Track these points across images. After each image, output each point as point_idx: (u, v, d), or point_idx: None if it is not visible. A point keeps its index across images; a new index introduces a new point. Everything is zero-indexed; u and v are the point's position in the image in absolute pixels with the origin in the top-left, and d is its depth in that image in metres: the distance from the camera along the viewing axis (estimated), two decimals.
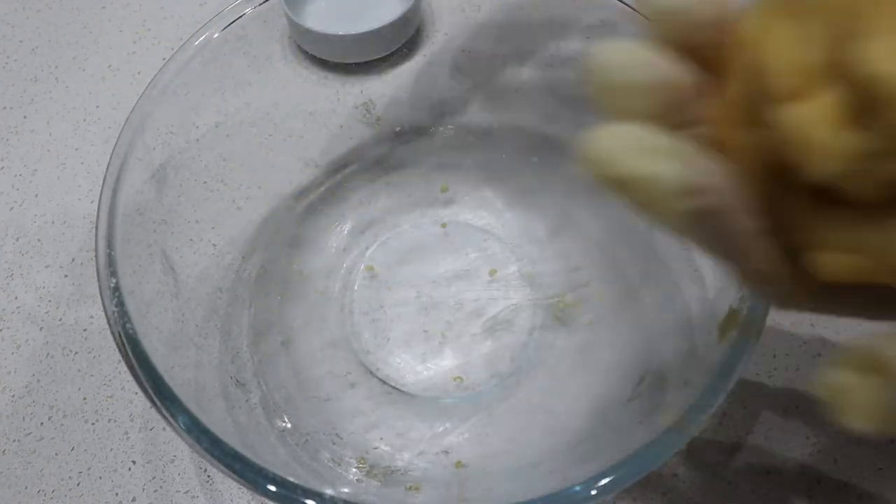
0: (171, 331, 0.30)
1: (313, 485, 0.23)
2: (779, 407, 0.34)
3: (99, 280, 0.27)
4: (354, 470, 0.31)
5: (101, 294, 0.26)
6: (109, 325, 0.26)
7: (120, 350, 0.26)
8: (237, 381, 0.32)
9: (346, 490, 0.29)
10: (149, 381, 0.25)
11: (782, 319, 0.36)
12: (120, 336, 0.26)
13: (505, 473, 0.31)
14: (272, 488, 0.23)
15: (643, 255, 0.36)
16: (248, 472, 0.23)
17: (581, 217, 0.39)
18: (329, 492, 0.22)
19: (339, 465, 0.31)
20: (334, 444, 0.32)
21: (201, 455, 0.23)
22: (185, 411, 0.24)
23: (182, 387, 0.26)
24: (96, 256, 0.27)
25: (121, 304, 0.26)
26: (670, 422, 0.23)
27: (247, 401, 0.32)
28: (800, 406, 0.34)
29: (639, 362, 0.32)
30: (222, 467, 0.23)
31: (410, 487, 0.29)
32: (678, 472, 0.32)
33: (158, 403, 0.25)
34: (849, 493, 0.32)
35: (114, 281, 0.27)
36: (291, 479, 0.23)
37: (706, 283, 0.31)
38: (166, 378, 0.25)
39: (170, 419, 0.24)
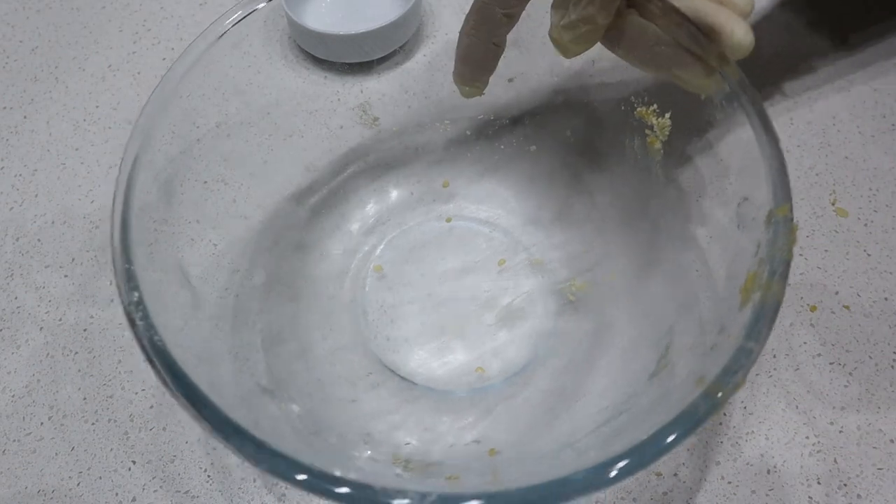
0: (194, 341, 0.29)
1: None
2: (779, 407, 0.34)
3: (120, 296, 0.26)
4: (393, 466, 0.30)
5: (124, 310, 0.26)
6: (137, 338, 0.25)
7: (150, 363, 0.25)
8: (264, 389, 0.32)
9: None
10: (188, 397, 0.24)
11: (782, 320, 0.36)
12: (149, 349, 0.25)
13: (537, 456, 0.30)
14: (344, 491, 0.22)
15: (649, 230, 0.36)
16: (321, 482, 0.22)
17: (583, 201, 0.39)
18: (417, 489, 0.22)
19: (378, 462, 0.31)
20: (366, 443, 0.32)
21: (270, 473, 0.23)
22: (242, 433, 0.23)
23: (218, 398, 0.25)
24: (115, 271, 0.27)
25: (146, 317, 0.25)
26: (703, 389, 0.23)
27: (279, 408, 0.31)
28: (800, 406, 0.34)
29: (659, 335, 0.31)
30: (294, 479, 0.22)
31: (450, 478, 0.29)
32: (678, 472, 0.32)
33: (214, 428, 0.23)
34: (849, 493, 0.32)
35: (136, 295, 0.26)
36: (369, 482, 0.22)
37: (717, 254, 0.31)
38: (205, 390, 0.24)
39: (227, 443, 0.23)
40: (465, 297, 0.37)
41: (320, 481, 0.22)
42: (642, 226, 0.36)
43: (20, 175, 0.43)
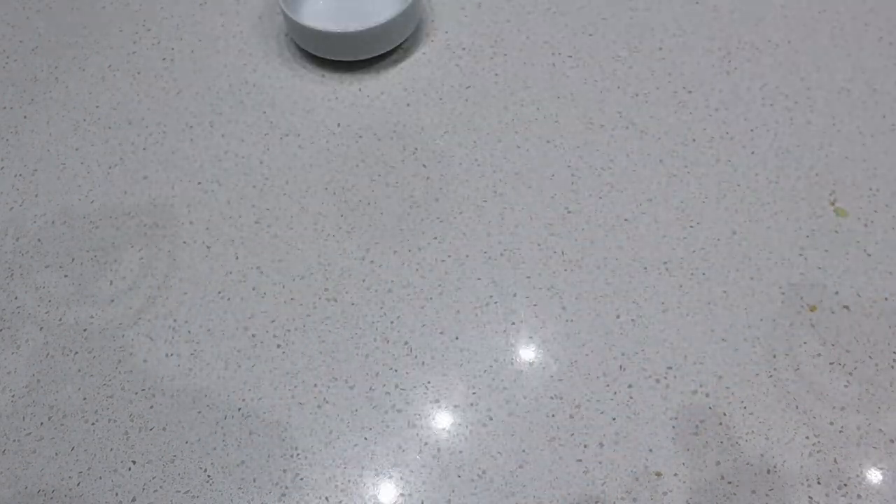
0: None
1: None
2: (779, 407, 0.34)
3: None
4: None
5: None
6: None
7: None
8: None
9: None
10: None
11: (782, 320, 0.36)
12: None
13: None
14: None
15: None
16: None
17: None
18: None
19: None
20: None
21: None
22: None
23: None
24: None
25: None
26: None
27: None
28: (800, 406, 0.34)
29: None
30: None
31: None
32: (678, 472, 0.32)
33: None
34: (849, 493, 0.32)
35: None
36: None
37: None
38: None
39: None
40: None
41: None
42: None
43: (20, 175, 0.43)
